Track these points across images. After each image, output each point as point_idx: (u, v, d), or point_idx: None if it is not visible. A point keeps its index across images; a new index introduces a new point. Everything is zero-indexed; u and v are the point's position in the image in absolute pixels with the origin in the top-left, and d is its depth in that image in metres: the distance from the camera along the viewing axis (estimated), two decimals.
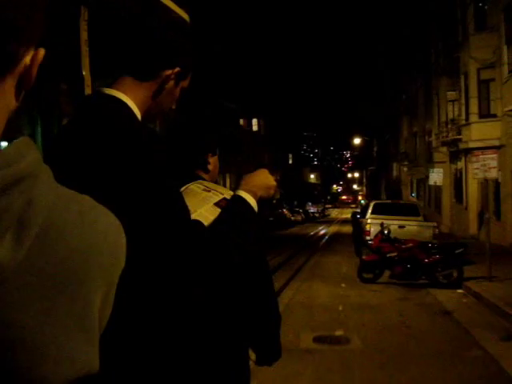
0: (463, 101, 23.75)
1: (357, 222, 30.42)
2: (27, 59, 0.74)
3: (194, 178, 1.93)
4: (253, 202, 1.67)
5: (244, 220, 1.60)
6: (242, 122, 58.31)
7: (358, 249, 17.45)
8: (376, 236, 12.08)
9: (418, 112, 40.49)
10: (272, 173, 1.86)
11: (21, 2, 0.69)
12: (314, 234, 36.92)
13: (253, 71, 71.50)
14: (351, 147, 67.02)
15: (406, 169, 48.24)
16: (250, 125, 61.44)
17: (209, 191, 1.81)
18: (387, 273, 11.88)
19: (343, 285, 11.81)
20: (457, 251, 11.40)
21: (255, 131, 61.59)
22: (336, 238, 32.96)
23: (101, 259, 0.77)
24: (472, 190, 25.43)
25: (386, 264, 11.76)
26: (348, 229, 46.60)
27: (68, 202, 0.77)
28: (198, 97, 39.57)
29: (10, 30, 0.68)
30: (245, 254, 1.54)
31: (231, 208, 1.64)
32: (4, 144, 0.83)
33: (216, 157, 2.08)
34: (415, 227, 14.11)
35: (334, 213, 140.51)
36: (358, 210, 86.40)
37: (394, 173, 59.29)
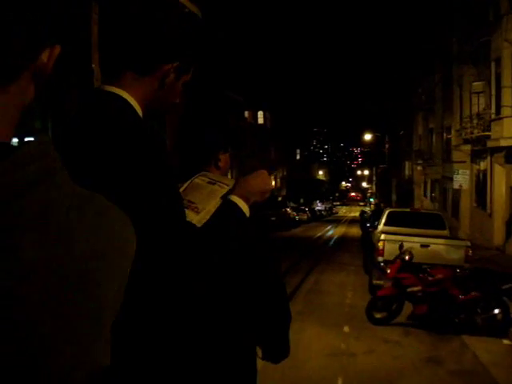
0: (493, 91, 20.54)
1: (365, 227, 27.47)
2: (44, 56, 0.79)
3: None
4: (245, 207, 1.69)
5: (232, 226, 1.63)
6: (247, 114, 55.17)
7: (367, 265, 14.42)
8: (393, 262, 8.94)
9: (435, 107, 37.26)
10: (269, 172, 1.88)
11: (36, 4, 0.75)
12: (318, 238, 33.73)
13: (260, 62, 68.14)
14: (362, 143, 63.70)
15: (419, 168, 44.98)
16: (256, 117, 58.29)
17: (214, 184, 1.82)
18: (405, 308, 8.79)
19: (346, 329, 8.68)
20: (504, 287, 8.29)
21: (261, 124, 58.44)
22: (342, 243, 29.83)
23: (118, 260, 0.80)
24: (498, 194, 22.26)
25: (405, 300, 8.66)
26: (356, 230, 43.45)
27: (85, 202, 0.78)
28: (202, 87, 36.63)
29: (27, 30, 0.75)
30: (226, 257, 1.57)
31: (221, 213, 1.67)
32: (15, 140, 0.85)
33: (227, 154, 2.09)
34: (442, 247, 10.94)
35: (342, 210, 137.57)
36: (367, 209, 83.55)
37: (406, 172, 56.01)
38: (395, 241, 10.77)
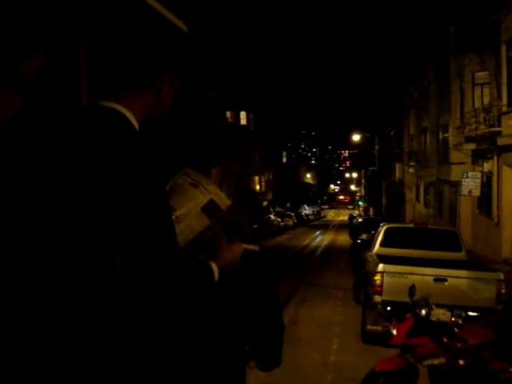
0: (504, 79, 17.52)
1: (354, 236, 24.52)
2: (27, 66, 0.87)
3: None
4: (217, 273, 1.78)
5: (204, 289, 1.72)
6: (228, 115, 52.03)
7: (358, 293, 11.37)
8: (402, 319, 5.76)
9: (428, 105, 34.34)
10: (238, 176, 2.46)
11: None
12: (303, 248, 30.55)
13: (243, 60, 65.17)
14: (350, 145, 60.52)
15: (411, 170, 42.03)
16: (238, 118, 55.17)
17: (196, 187, 1.83)
18: None
19: None
20: None
21: (243, 125, 55.31)
22: (329, 254, 26.72)
23: None
24: (507, 200, 19.29)
25: (418, 377, 5.58)
26: (344, 238, 40.40)
27: None
28: (181, 86, 33.56)
29: (6, 39, 0.88)
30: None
31: (196, 273, 1.72)
32: None
33: (218, 167, 2.19)
34: (465, 281, 7.80)
35: (331, 214, 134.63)
36: (356, 212, 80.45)
37: (397, 174, 53.09)
38: (399, 274, 7.67)
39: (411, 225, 11.19)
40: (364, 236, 17.98)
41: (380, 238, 9.99)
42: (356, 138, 47.21)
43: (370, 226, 18.23)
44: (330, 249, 30.15)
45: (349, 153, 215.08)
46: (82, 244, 1.39)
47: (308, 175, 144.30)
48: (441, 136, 30.66)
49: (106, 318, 1.41)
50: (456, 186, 27.63)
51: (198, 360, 1.94)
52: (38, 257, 1.38)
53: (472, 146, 21.57)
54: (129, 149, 1.45)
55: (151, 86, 1.61)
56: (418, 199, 42.48)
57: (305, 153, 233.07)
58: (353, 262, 14.17)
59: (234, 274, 1.87)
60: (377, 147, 46.76)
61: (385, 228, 10.21)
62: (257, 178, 63.49)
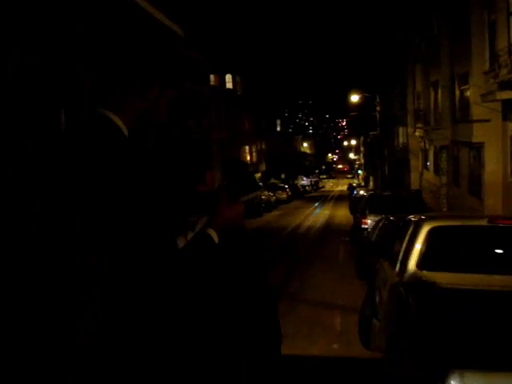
0: None
1: (355, 212, 19.86)
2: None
3: (193, 192, 2.11)
4: (215, 236, 1.88)
5: (206, 256, 1.81)
6: (212, 78, 46.62)
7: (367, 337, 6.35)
8: None
9: (440, 54, 29.06)
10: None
11: None
12: (292, 231, 25.44)
13: (228, 17, 59.43)
14: (348, 108, 54.94)
15: (418, 133, 36.87)
16: (223, 82, 49.79)
17: None
18: None
19: None
20: None
21: (229, 89, 49.93)
22: (325, 238, 21.75)
23: None
24: None
25: None
26: (344, 213, 35.43)
27: None
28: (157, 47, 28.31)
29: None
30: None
31: (197, 244, 1.84)
32: None
33: (212, 171, 2.23)
34: None
35: (329, 184, 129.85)
36: (355, 182, 75.48)
37: (401, 139, 47.94)
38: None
39: (483, 221, 5.50)
40: (369, 220, 13.12)
41: (418, 252, 4.85)
42: (355, 98, 41.90)
43: (379, 204, 13.32)
44: (327, 229, 25.20)
45: (347, 121, 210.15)
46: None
47: (305, 144, 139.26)
48: (457, 90, 25.51)
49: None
50: (479, 148, 22.68)
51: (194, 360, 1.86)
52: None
53: (509, 95, 16.46)
54: (116, 154, 1.53)
55: (142, 95, 1.70)
56: (426, 166, 37.41)
57: (302, 122, 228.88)
58: (358, 268, 9.25)
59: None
60: (378, 108, 41.50)
61: (428, 229, 5.00)
62: (247, 147, 58.36)
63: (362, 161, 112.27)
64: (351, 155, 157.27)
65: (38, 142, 1.54)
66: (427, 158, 37.08)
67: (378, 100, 41.75)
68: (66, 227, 1.44)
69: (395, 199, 14.19)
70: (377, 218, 12.73)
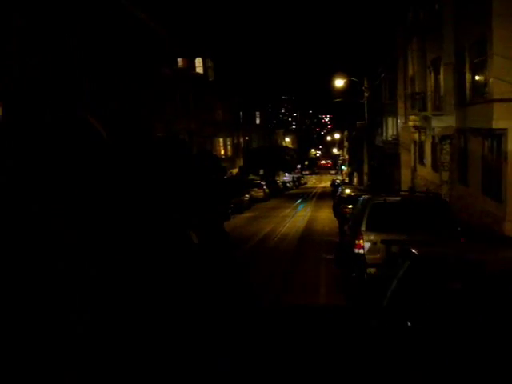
0: None
1: (340, 215, 15.11)
2: None
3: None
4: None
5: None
6: (180, 61, 41.19)
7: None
8: None
9: (442, 25, 24.12)
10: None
11: None
12: (265, 238, 20.21)
13: None
14: (332, 94, 49.52)
15: (412, 122, 31.84)
16: (193, 66, 44.40)
17: None
18: None
19: None
20: None
21: (199, 74, 44.54)
22: (305, 249, 16.54)
23: None
24: None
25: None
26: (326, 215, 30.29)
27: None
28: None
29: None
30: None
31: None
32: None
33: None
34: None
35: (312, 180, 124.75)
36: (339, 178, 70.55)
37: (390, 131, 43.01)
38: None
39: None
40: (367, 243, 8.03)
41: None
42: (339, 83, 36.74)
43: (382, 215, 8.23)
44: (306, 239, 19.85)
45: (330, 117, 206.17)
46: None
47: (287, 139, 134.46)
48: (467, 65, 20.53)
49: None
50: (499, 136, 17.75)
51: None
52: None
53: None
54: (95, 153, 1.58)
55: None
56: (421, 161, 32.44)
57: (285, 118, 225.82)
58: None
59: None
60: (366, 94, 36.38)
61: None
62: (221, 140, 53.08)
63: (346, 156, 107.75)
64: (334, 150, 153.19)
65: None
66: (423, 152, 32.10)
67: (365, 85, 36.67)
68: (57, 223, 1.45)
69: (407, 208, 9.07)
70: (378, 238, 7.68)
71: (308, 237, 20.03)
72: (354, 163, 75.16)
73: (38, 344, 1.42)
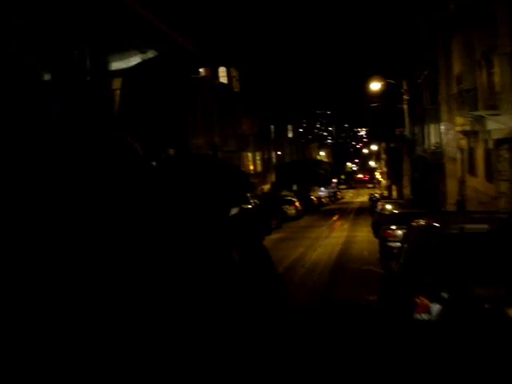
0: None
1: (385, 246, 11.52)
2: None
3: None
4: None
5: None
6: (203, 71, 38.23)
7: None
8: None
9: (497, 12, 20.53)
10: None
11: None
12: (290, 267, 16.55)
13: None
14: (368, 99, 45.85)
15: (459, 127, 28.06)
16: (216, 75, 41.42)
17: None
18: None
19: None
20: None
21: (222, 84, 41.49)
22: (342, 280, 12.92)
23: None
24: None
25: None
26: (366, 235, 26.75)
27: None
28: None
29: None
30: None
31: None
32: None
33: None
34: None
35: (349, 195, 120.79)
36: (377, 193, 66.70)
37: (432, 139, 39.11)
38: None
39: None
40: (442, 301, 4.58)
41: None
42: (376, 86, 33.13)
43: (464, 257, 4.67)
44: (341, 271, 16.06)
45: (366, 131, 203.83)
46: None
47: (322, 153, 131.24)
48: None
49: None
50: None
51: None
52: None
53: None
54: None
55: None
56: (472, 170, 28.56)
57: (320, 132, 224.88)
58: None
59: None
60: (406, 97, 32.65)
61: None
62: (249, 154, 49.88)
63: (384, 169, 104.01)
64: (371, 163, 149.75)
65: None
66: (473, 160, 28.25)
67: (405, 87, 32.96)
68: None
69: (502, 244, 5.39)
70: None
71: (343, 265, 16.37)
72: (393, 176, 71.28)
73: (38, 343, 1.37)
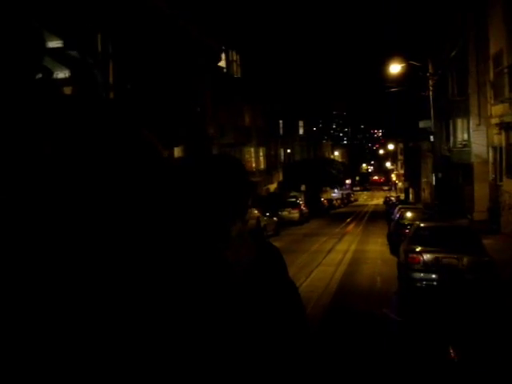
0: None
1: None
2: None
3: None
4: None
5: None
6: None
7: None
8: None
9: None
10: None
11: None
12: None
13: None
14: (386, 83, 40.63)
15: (495, 119, 22.92)
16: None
17: None
18: None
19: None
20: None
21: (220, 68, 36.43)
22: (341, 339, 7.91)
23: None
24: None
25: None
26: (380, 248, 21.71)
27: None
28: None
29: None
30: None
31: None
32: None
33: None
34: None
35: (363, 197, 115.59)
36: (393, 195, 61.17)
37: (459, 136, 33.92)
38: None
39: None
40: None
41: None
42: (395, 69, 27.96)
43: None
44: (341, 315, 10.49)
45: (382, 132, 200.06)
46: None
47: (336, 153, 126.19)
48: None
49: None
50: None
51: None
52: None
53: None
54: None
55: None
56: (510, 172, 23.38)
57: (336, 133, 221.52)
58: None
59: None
60: (431, 82, 27.43)
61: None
62: (251, 149, 44.88)
63: (401, 171, 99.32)
64: (388, 164, 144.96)
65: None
66: (510, 158, 23.12)
67: (430, 71, 27.73)
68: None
69: None
70: None
71: (345, 303, 10.84)
72: (411, 178, 66.16)
73: (38, 343, 1.35)
